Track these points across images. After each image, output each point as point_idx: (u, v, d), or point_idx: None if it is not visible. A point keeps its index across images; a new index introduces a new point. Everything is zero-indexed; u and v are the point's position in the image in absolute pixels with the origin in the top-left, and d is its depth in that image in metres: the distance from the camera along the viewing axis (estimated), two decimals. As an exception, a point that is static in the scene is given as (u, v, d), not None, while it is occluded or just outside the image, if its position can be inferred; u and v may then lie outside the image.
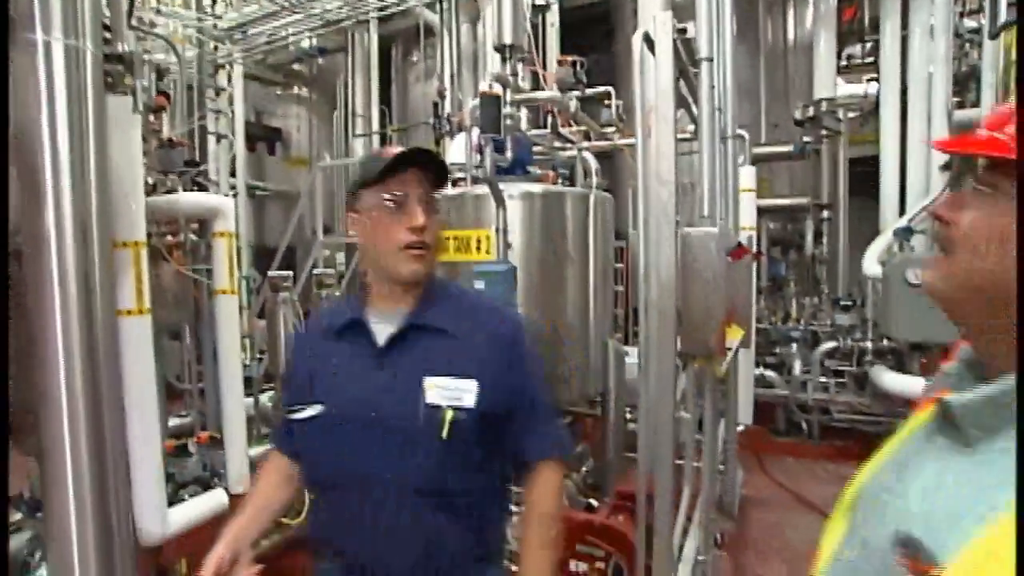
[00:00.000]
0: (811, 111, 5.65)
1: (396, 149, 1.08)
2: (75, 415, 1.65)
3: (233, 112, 5.66)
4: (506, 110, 2.74)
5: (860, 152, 5.68)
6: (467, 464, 1.06)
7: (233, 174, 6.32)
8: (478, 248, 2.82)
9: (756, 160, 4.77)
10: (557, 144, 3.76)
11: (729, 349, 2.08)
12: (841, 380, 5.05)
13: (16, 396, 2.61)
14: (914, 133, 5.07)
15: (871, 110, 5.58)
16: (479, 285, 2.72)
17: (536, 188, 2.92)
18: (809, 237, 6.12)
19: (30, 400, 1.71)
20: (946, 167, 4.79)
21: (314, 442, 1.11)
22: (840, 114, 5.66)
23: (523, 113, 3.27)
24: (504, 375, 1.08)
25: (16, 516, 2.37)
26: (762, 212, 5.35)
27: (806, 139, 5.65)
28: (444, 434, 1.02)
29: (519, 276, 2.79)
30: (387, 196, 1.04)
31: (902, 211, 5.07)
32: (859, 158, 5.67)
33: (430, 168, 1.09)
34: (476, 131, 2.74)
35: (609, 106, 4.09)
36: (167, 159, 2.96)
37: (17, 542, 2.21)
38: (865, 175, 5.48)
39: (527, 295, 2.82)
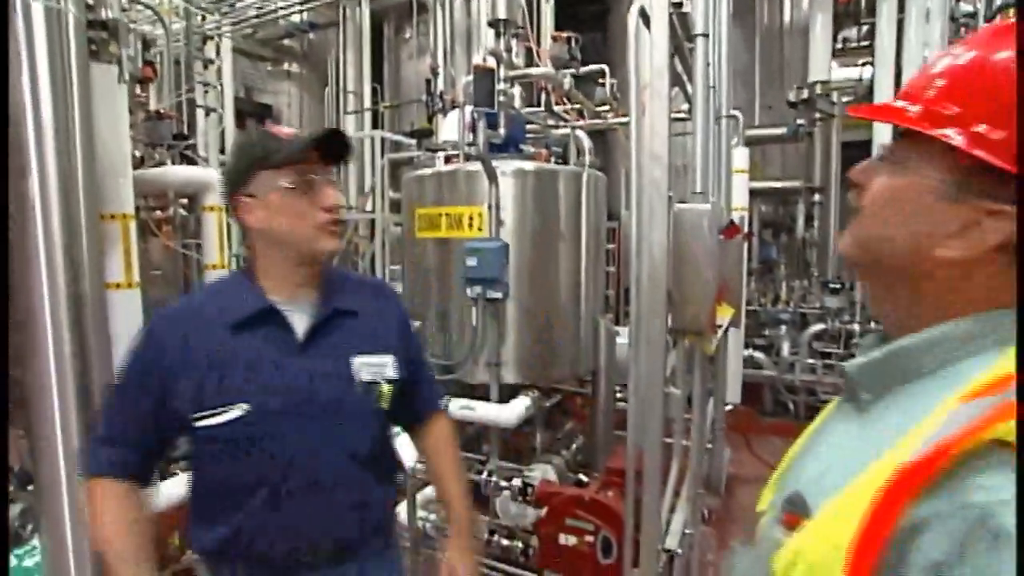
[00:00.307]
0: (805, 94, 5.64)
1: (286, 129, 1.09)
2: (64, 389, 1.64)
3: (222, 85, 5.55)
4: (500, 86, 2.71)
5: (853, 136, 5.68)
6: (387, 430, 1.22)
7: (223, 151, 6.23)
8: (470, 225, 2.81)
9: (749, 142, 4.77)
10: (550, 122, 3.73)
11: (719, 327, 2.09)
12: (828, 362, 5.13)
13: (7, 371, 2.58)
14: (907, 117, 5.07)
15: (865, 94, 5.56)
16: (471, 262, 2.72)
17: (529, 166, 2.90)
18: (800, 220, 6.15)
19: (18, 373, 1.69)
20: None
21: (243, 444, 1.03)
22: (834, 97, 5.66)
23: (517, 91, 3.24)
24: (403, 342, 1.20)
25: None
26: (754, 194, 5.36)
27: (799, 122, 5.64)
28: (384, 406, 1.13)
29: (511, 253, 2.79)
30: (297, 179, 1.02)
31: (893, 195, 5.08)
32: (852, 142, 5.68)
33: (328, 145, 1.07)
34: (469, 108, 2.71)
35: (603, 85, 4.06)
36: (155, 131, 2.91)
37: (9, 514, 2.21)
38: (857, 159, 5.34)
39: (518, 272, 2.82)
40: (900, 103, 0.57)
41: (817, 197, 6.00)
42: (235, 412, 1.01)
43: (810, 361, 5.17)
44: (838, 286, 5.19)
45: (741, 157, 4.15)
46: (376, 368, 1.12)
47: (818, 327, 5.23)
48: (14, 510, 2.22)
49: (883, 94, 5.28)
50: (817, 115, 5.75)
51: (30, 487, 2.20)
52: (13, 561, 1.77)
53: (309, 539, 1.10)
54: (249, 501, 1.05)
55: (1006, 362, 0.50)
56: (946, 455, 0.44)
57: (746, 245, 4.16)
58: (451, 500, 1.29)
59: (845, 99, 5.70)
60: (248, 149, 1.06)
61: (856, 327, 4.96)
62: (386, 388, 1.12)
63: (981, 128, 0.50)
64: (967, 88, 0.52)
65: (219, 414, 1.01)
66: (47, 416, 1.66)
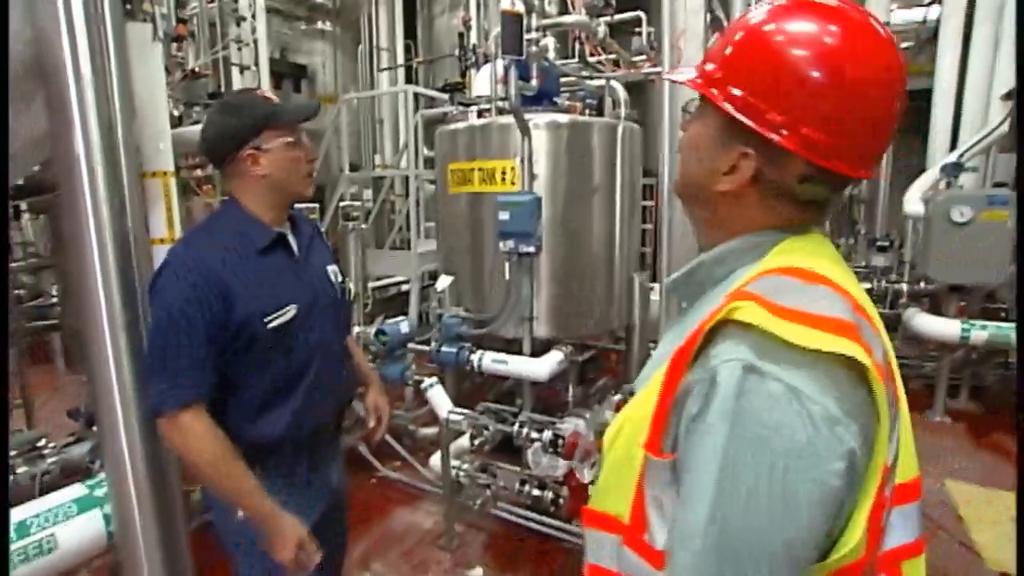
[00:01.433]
0: (860, 38, 5.27)
1: (268, 93, 1.36)
2: (116, 338, 1.73)
3: (256, 42, 5.57)
4: (532, 35, 2.63)
5: (915, 84, 5.31)
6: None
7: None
8: (503, 179, 2.79)
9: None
10: (585, 73, 3.61)
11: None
12: (873, 322, 4.95)
13: (68, 322, 2.76)
14: (977, 61, 4.69)
15: (928, 37, 5.15)
16: (503, 216, 2.71)
17: (562, 118, 2.84)
18: (849, 175, 5.85)
19: (78, 325, 1.80)
20: (1008, 96, 4.45)
21: (299, 336, 1.34)
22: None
23: (550, 41, 3.14)
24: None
25: (77, 427, 2.58)
26: (800, 148, 5.11)
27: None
28: (351, 299, 1.54)
29: (544, 207, 2.77)
30: (295, 138, 1.32)
31: (952, 147, 4.77)
32: (913, 91, 5.31)
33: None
34: (501, 61, 2.65)
35: (639, 33, 3.89)
36: (191, 90, 2.96)
37: (79, 451, 2.42)
38: (911, 110, 5.13)
39: (552, 226, 2.80)
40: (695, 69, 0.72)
41: (869, 150, 5.68)
42: (291, 311, 1.31)
43: (854, 321, 5.00)
44: (887, 244, 4.95)
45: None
46: (338, 273, 1.49)
47: (863, 286, 5.02)
48: (84, 447, 2.41)
49: (948, 35, 4.89)
50: (873, 61, 5.38)
51: (95, 427, 2.38)
52: (84, 491, 1.92)
53: (331, 410, 1.47)
54: (301, 383, 1.35)
55: (759, 266, 0.66)
56: (699, 335, 0.60)
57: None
58: (361, 364, 1.67)
59: (905, 44, 5.30)
60: (251, 110, 1.29)
61: (904, 287, 4.73)
62: (351, 285, 1.51)
63: (734, 89, 0.64)
64: (733, 56, 0.66)
65: (283, 314, 1.29)
66: (104, 364, 1.76)
